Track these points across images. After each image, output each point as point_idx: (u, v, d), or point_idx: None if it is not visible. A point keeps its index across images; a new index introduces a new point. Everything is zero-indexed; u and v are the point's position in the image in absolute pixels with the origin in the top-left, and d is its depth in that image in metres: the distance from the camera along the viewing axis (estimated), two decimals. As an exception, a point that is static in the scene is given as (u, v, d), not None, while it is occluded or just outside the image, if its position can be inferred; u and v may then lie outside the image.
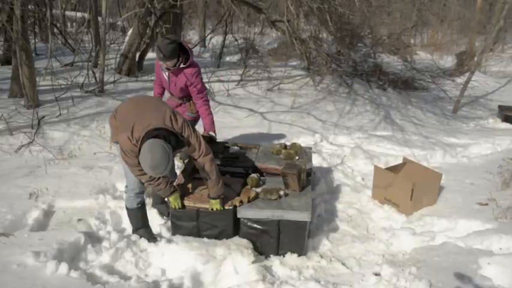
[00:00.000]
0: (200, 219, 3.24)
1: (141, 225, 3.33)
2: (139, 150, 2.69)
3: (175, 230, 3.32)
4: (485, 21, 13.91)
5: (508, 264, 2.92)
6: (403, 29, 12.40)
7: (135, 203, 3.24)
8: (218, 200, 3.18)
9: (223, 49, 10.16)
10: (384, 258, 3.35)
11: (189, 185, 3.46)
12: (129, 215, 3.34)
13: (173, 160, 2.87)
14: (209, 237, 3.26)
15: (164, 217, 3.61)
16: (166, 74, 3.74)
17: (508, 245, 3.26)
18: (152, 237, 3.29)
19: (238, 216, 3.23)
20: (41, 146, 4.78)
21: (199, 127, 3.98)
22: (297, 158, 4.03)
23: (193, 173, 3.62)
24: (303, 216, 3.18)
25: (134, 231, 3.36)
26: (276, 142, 5.41)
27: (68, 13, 12.99)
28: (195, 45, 12.42)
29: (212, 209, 3.20)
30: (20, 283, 2.57)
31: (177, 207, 3.18)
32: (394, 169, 4.44)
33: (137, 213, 3.29)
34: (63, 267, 2.72)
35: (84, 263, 2.98)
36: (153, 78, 6.88)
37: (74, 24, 13.30)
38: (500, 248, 3.26)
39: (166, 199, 3.16)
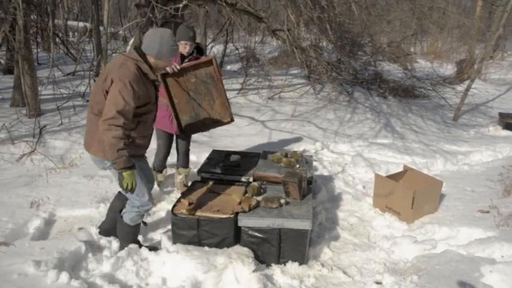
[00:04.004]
0: (201, 228, 3.24)
1: (132, 240, 3.27)
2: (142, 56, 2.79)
3: (176, 238, 3.31)
4: (485, 29, 14.00)
5: (510, 272, 2.90)
6: (403, 37, 12.48)
7: (140, 219, 3.20)
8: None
9: (224, 58, 10.22)
10: (385, 267, 3.34)
11: (189, 195, 3.47)
12: (127, 231, 3.21)
13: None
14: (210, 245, 3.25)
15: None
16: None
17: (510, 253, 3.25)
18: (140, 245, 3.27)
19: (239, 224, 3.23)
20: (42, 155, 4.80)
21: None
22: (297, 166, 4.04)
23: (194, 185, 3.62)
24: (304, 225, 3.17)
25: (125, 247, 3.22)
26: (276, 150, 5.41)
27: (69, 23, 13.13)
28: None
29: None
30: (21, 292, 2.57)
31: (129, 187, 2.71)
32: (395, 177, 4.44)
33: (135, 230, 3.25)
34: (64, 277, 2.72)
35: (85, 272, 2.97)
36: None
37: (76, 33, 13.43)
38: (502, 256, 3.24)
39: (117, 176, 2.74)
